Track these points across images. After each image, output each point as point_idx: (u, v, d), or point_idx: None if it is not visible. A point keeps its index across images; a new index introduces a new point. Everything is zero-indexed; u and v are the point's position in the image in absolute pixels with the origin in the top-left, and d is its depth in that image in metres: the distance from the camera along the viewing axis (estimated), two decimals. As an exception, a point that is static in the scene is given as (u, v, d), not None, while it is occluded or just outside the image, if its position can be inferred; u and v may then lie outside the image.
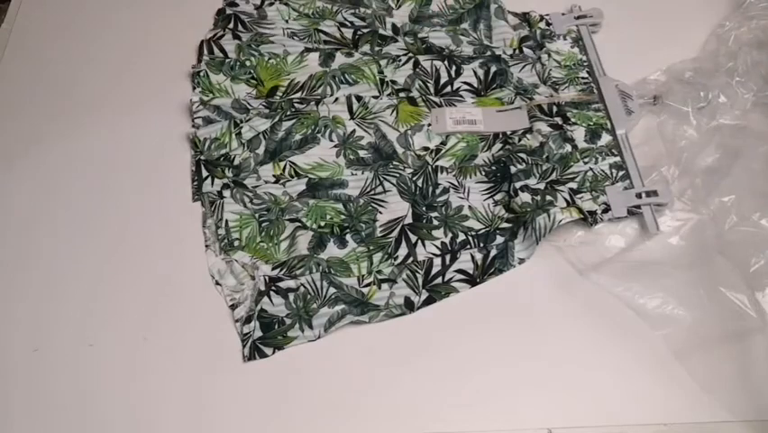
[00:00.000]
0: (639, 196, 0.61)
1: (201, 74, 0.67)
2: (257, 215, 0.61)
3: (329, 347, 0.56)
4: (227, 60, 0.68)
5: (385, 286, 0.58)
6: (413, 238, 0.60)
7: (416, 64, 0.69)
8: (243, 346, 0.55)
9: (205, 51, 0.69)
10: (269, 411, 0.53)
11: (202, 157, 0.64)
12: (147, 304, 0.58)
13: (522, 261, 0.59)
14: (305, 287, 0.57)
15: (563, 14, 0.73)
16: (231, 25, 0.71)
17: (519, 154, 0.63)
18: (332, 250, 0.59)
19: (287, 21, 0.71)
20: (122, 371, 0.55)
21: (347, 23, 0.72)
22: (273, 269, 0.58)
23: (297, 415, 0.53)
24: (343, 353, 0.56)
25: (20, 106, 0.69)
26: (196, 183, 0.63)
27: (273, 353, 0.55)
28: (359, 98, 0.66)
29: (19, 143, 0.67)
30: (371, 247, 0.60)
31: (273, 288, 0.57)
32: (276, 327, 0.56)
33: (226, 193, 0.62)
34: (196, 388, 0.54)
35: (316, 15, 0.72)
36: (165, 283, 0.59)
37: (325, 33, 0.71)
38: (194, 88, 0.67)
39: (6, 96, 0.70)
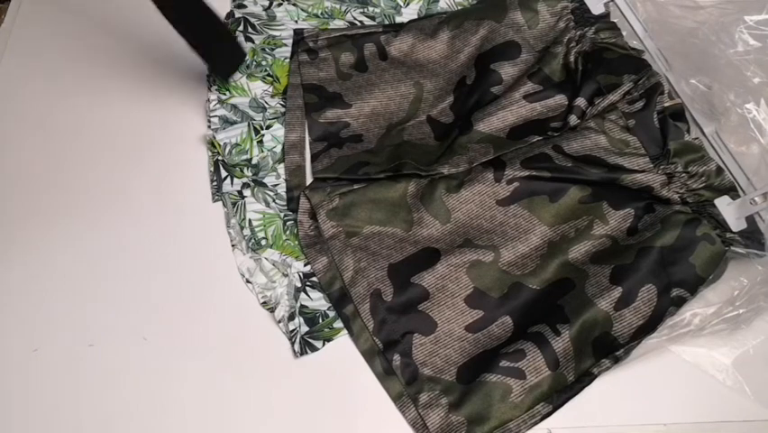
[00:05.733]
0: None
1: None
2: (282, 213, 0.61)
3: (338, 347, 0.56)
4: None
5: None
6: None
7: None
8: (292, 343, 0.55)
9: None
10: (277, 412, 0.54)
11: (220, 158, 0.64)
12: (147, 304, 0.58)
13: None
14: None
15: None
16: (241, 28, 0.71)
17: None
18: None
19: (296, 21, 0.72)
20: (123, 371, 0.55)
21: (356, 22, 0.72)
22: (305, 264, 0.59)
23: (304, 415, 0.54)
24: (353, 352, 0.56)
25: (22, 107, 0.69)
26: (215, 183, 0.63)
27: (323, 345, 0.56)
28: None
29: (20, 144, 0.67)
30: None
31: (308, 283, 0.58)
32: (320, 320, 0.56)
33: (246, 192, 0.62)
34: (212, 390, 0.55)
35: (325, 15, 0.72)
36: (171, 284, 0.59)
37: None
38: (209, 87, 0.67)
39: (7, 97, 0.70)
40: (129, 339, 0.57)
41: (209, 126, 0.66)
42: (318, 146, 0.64)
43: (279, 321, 0.56)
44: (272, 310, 0.57)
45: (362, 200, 0.60)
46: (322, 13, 0.73)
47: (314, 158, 0.64)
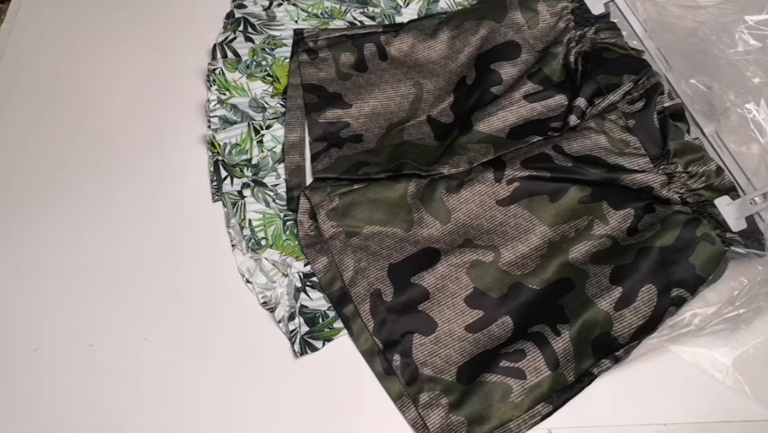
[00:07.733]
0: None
1: (217, 71, 0.68)
2: (282, 213, 0.61)
3: (338, 347, 0.56)
4: (243, 60, 0.69)
5: None
6: None
7: None
8: (292, 343, 0.55)
9: (219, 55, 0.69)
10: (277, 412, 0.54)
11: (220, 158, 0.64)
12: (147, 304, 0.58)
13: None
14: None
15: None
16: (241, 28, 0.71)
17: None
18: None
19: (296, 21, 0.72)
20: (123, 371, 0.55)
21: (356, 22, 0.72)
22: (305, 264, 0.59)
23: (304, 415, 0.54)
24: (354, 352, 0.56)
25: (22, 107, 0.69)
26: (215, 183, 0.63)
27: (323, 345, 0.56)
28: None
29: (20, 144, 0.67)
30: None
31: (308, 283, 0.58)
32: (320, 320, 0.56)
33: (246, 192, 0.62)
34: (217, 388, 0.55)
35: (325, 15, 0.72)
36: (171, 284, 0.59)
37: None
38: (209, 87, 0.67)
39: (7, 97, 0.70)
40: (129, 339, 0.57)
41: (209, 126, 0.66)
42: (318, 146, 0.64)
43: (279, 321, 0.56)
44: (272, 310, 0.57)
45: (362, 200, 0.60)
46: (322, 13, 0.73)
47: (314, 158, 0.64)
